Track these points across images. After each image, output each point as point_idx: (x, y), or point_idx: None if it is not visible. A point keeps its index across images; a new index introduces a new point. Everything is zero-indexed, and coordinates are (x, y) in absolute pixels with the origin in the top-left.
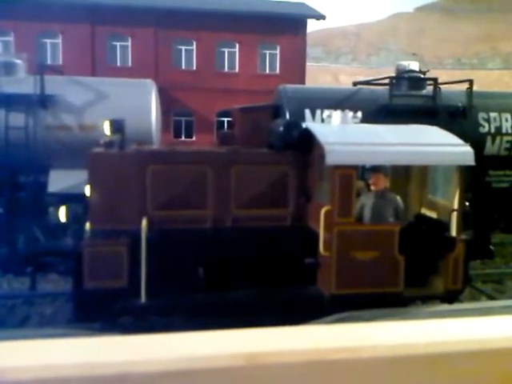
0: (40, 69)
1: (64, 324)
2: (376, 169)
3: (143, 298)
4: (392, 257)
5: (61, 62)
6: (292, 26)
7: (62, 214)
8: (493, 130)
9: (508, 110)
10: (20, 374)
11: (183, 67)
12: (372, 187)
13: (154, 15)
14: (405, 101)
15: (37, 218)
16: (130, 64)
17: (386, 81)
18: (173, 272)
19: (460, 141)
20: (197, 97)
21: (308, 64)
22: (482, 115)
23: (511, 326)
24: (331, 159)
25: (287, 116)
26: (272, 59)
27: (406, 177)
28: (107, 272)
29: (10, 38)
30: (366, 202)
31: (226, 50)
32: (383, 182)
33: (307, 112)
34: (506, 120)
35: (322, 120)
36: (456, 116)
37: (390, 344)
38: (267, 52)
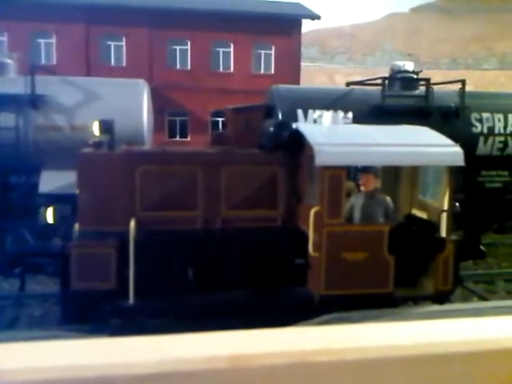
0: (31, 69)
1: (53, 325)
2: (365, 169)
3: (131, 300)
4: (382, 257)
5: (55, 62)
6: (287, 26)
7: (51, 214)
8: (485, 131)
9: (501, 111)
10: (7, 377)
11: (178, 67)
12: (362, 188)
13: (149, 15)
14: (397, 101)
15: (27, 218)
16: (124, 64)
17: (379, 81)
18: (162, 273)
19: (450, 141)
20: (191, 97)
21: (303, 64)
22: (474, 115)
23: (502, 327)
24: (320, 160)
25: (280, 116)
26: (267, 59)
27: (397, 177)
28: (95, 273)
29: (4, 38)
30: (356, 203)
31: (221, 50)
32: (373, 183)
33: (299, 112)
34: (499, 120)
35: (315, 120)
36: (448, 116)
37: (375, 346)
38: (262, 52)
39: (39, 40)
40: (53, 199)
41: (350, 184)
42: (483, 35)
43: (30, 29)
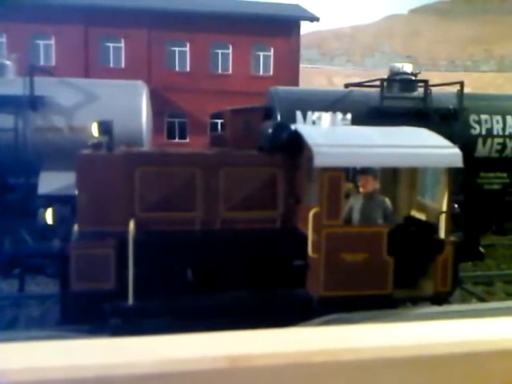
0: (30, 70)
1: (52, 326)
2: (364, 171)
3: (131, 300)
4: (381, 259)
5: (54, 64)
6: (286, 27)
7: (50, 215)
8: (484, 132)
9: (499, 112)
10: (7, 377)
11: (177, 69)
12: (361, 189)
13: (148, 16)
14: (396, 103)
15: (26, 219)
16: (123, 65)
17: (378, 83)
18: (161, 274)
19: (449, 143)
20: (190, 98)
21: (302, 66)
22: (473, 117)
23: (501, 329)
24: (319, 161)
25: (279, 118)
26: (266, 61)
27: (395, 179)
28: (95, 274)
29: (3, 40)
30: (355, 204)
31: (220, 52)
32: (372, 184)
33: (298, 114)
34: (497, 122)
35: (314, 122)
36: (447, 118)
37: (375, 346)
38: (261, 54)
39: (38, 41)
40: (52, 200)
41: (349, 185)
42: (482, 37)
43: (28, 30)
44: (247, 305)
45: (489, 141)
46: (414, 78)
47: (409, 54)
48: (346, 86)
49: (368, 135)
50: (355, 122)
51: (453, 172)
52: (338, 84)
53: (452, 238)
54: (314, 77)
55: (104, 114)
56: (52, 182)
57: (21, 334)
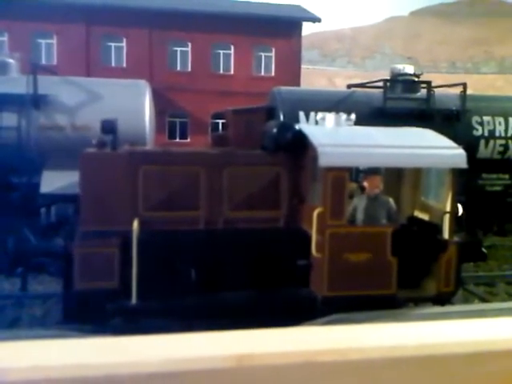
0: (33, 68)
1: (55, 325)
2: (375, 171)
3: (134, 300)
4: (385, 259)
5: (55, 63)
6: (287, 28)
7: (53, 214)
8: (486, 134)
9: (501, 114)
10: (11, 375)
11: (178, 68)
12: (369, 189)
13: (149, 16)
14: (399, 104)
15: (29, 218)
16: (124, 65)
17: (380, 84)
18: (165, 273)
19: (453, 143)
20: (192, 98)
21: (304, 67)
22: (475, 118)
23: (503, 329)
24: (324, 161)
25: (281, 118)
26: (267, 61)
27: (399, 179)
28: (98, 273)
29: (4, 38)
30: (359, 204)
31: (222, 52)
32: (380, 185)
33: (301, 114)
34: (500, 123)
35: (316, 122)
36: (449, 119)
37: (379, 346)
38: (262, 54)
39: (40, 40)
40: (55, 199)
41: (353, 185)
42: (483, 39)
43: (30, 29)
44: (250, 304)
45: (491, 142)
46: (416, 79)
47: (410, 56)
48: (349, 86)
49: (372, 135)
50: (358, 122)
51: (457, 173)
52: (339, 85)
53: (455, 239)
54: (315, 78)
55: (107, 112)
56: (55, 180)
57: (24, 333)
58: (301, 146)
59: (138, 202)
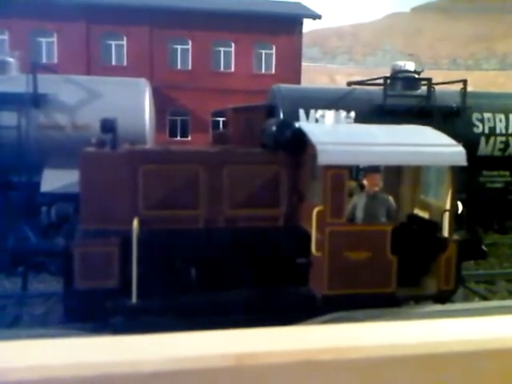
0: (33, 67)
1: (55, 324)
2: (374, 169)
3: (134, 298)
4: (384, 257)
5: (56, 61)
6: (288, 25)
7: (53, 213)
8: (487, 131)
9: (502, 111)
10: (11, 375)
11: (179, 66)
12: (369, 187)
13: (150, 14)
14: (399, 101)
15: (30, 217)
16: (125, 63)
17: (381, 81)
18: (165, 272)
19: (452, 141)
20: (192, 96)
21: (304, 64)
22: (476, 116)
23: (504, 327)
24: (323, 159)
25: (281, 116)
26: (268, 59)
27: (399, 177)
28: (98, 272)
29: (5, 37)
30: (358, 203)
31: (222, 50)
32: (380, 183)
33: (301, 112)
34: (500, 120)
35: (316, 120)
36: (450, 116)
37: (379, 344)
38: (263, 52)
39: (40, 39)
40: (55, 198)
41: (352, 184)
42: (484, 35)
43: (30, 27)
44: (250, 303)
45: (491, 139)
46: (417, 76)
47: (411, 53)
48: (349, 84)
49: (372, 133)
50: (358, 119)
51: (457, 170)
52: (340, 82)
53: (455, 237)
54: (316, 75)
55: (107, 111)
56: (55, 179)
57: (24, 332)
58: (300, 144)
59: (138, 201)
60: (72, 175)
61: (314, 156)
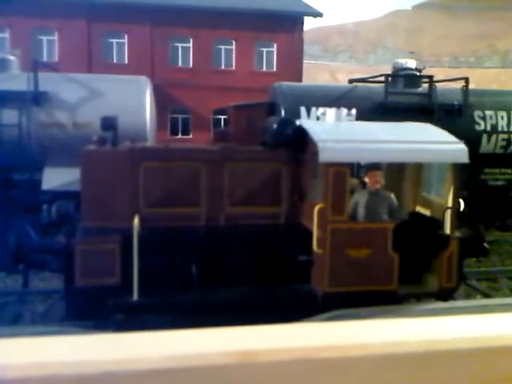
0: (34, 65)
1: (56, 322)
2: (376, 166)
3: (135, 296)
4: (386, 254)
5: (57, 59)
6: (289, 23)
7: (54, 211)
8: (488, 128)
9: (504, 108)
10: (12, 372)
11: (180, 64)
12: (375, 185)
13: (151, 12)
14: (400, 98)
15: (30, 215)
16: (126, 61)
17: (382, 79)
18: (166, 269)
19: (454, 138)
20: (193, 94)
21: (305, 62)
22: (477, 113)
23: (506, 325)
24: (324, 157)
25: (282, 113)
26: (269, 57)
27: (400, 174)
28: (99, 269)
29: (6, 35)
30: (360, 200)
31: (223, 48)
32: (381, 180)
33: (302, 109)
34: (502, 118)
35: (318, 117)
36: (452, 114)
37: (381, 342)
38: (264, 49)
39: (41, 37)
40: (56, 196)
41: (354, 181)
42: (486, 33)
43: (31, 25)
44: (251, 300)
45: (493, 137)
46: (418, 73)
47: (412, 50)
48: (351, 81)
49: (373, 131)
50: (360, 117)
51: (458, 168)
52: (341, 80)
53: (457, 234)
54: (318, 73)
55: (108, 109)
56: (56, 177)
57: (25, 329)
58: (301, 141)
59: (139, 199)
60: (73, 173)
61: (316, 153)
